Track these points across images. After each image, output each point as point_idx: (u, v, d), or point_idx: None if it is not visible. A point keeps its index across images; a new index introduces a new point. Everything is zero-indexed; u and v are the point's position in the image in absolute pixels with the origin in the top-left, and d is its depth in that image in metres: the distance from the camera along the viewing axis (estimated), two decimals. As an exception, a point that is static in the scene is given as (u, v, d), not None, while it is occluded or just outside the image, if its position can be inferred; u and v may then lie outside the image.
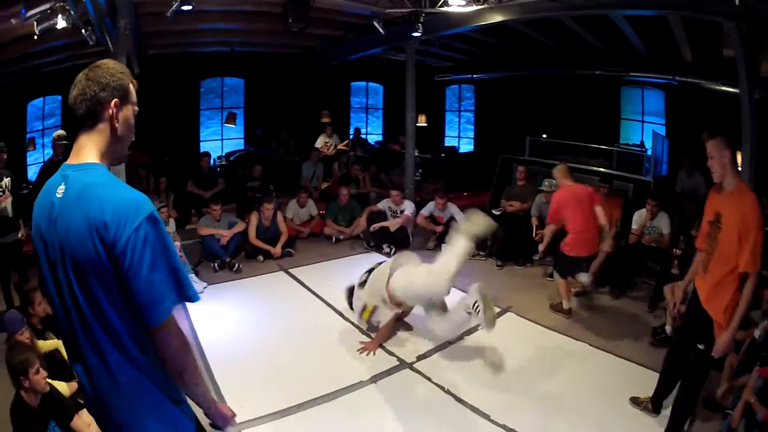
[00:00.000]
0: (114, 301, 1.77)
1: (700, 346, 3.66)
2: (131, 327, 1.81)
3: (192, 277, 7.13)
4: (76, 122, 1.90)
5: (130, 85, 1.98)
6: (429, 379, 4.85)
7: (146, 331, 1.79)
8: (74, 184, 1.82)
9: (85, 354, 1.86)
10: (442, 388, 4.71)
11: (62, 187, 1.84)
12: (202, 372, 2.07)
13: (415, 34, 8.72)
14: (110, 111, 1.89)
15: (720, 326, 3.53)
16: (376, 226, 8.79)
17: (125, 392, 1.86)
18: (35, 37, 6.41)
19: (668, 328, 5.48)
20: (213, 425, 2.21)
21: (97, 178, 1.82)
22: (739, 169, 4.61)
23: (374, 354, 5.28)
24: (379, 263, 5.66)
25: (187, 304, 2.06)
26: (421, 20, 8.48)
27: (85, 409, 3.79)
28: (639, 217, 6.99)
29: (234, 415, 2.24)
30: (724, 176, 3.56)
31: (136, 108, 2.02)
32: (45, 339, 4.56)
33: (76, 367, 1.96)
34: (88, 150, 1.90)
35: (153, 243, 1.73)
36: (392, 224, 8.76)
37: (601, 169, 9.14)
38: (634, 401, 4.40)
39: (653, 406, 4.26)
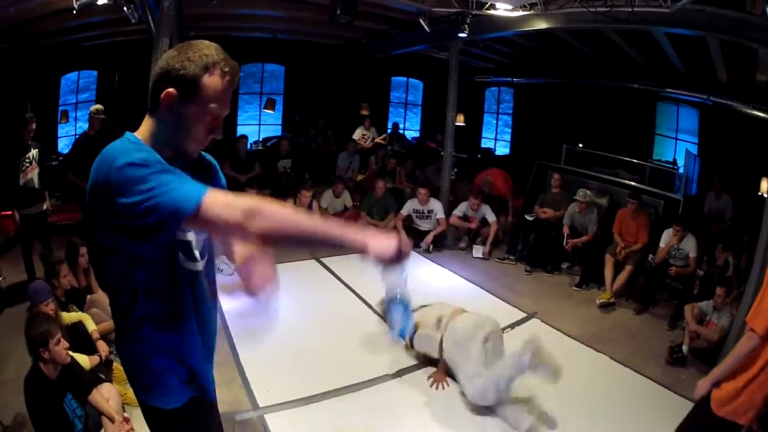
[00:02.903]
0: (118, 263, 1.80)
1: None
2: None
3: (223, 258, 7.22)
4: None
5: (206, 78, 1.74)
6: (453, 378, 4.91)
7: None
8: None
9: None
10: (464, 387, 4.82)
11: None
12: (305, 218, 1.66)
13: (461, 35, 8.74)
14: (166, 101, 1.74)
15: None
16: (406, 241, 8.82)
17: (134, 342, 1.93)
18: (74, 12, 6.49)
19: (685, 348, 5.59)
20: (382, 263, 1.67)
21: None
22: (766, 196, 4.39)
23: (447, 385, 4.83)
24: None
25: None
26: (468, 21, 8.54)
27: (105, 383, 3.88)
28: (667, 236, 7.01)
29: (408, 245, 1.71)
30: None
31: (212, 106, 1.78)
32: (68, 311, 4.62)
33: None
34: (139, 129, 1.82)
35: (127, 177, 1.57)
36: (427, 240, 8.82)
37: (632, 183, 9.16)
38: None
39: None
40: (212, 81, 1.75)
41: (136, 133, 1.80)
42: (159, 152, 1.75)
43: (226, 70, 1.78)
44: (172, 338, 1.96)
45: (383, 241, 1.64)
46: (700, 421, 3.06)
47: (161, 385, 1.99)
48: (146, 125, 1.82)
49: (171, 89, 1.72)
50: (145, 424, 2.10)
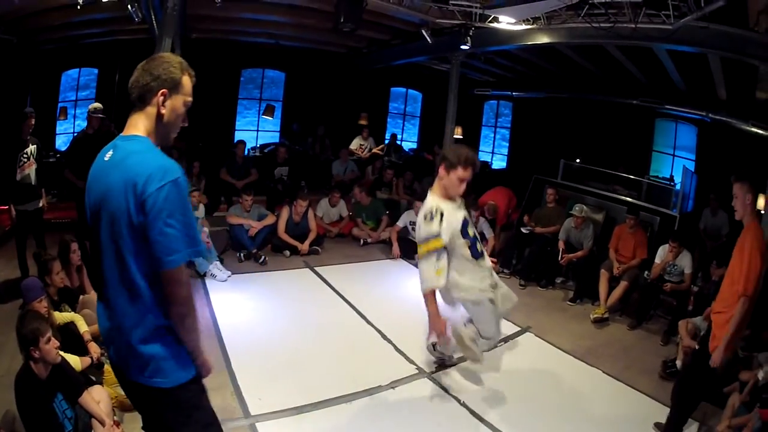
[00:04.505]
0: (135, 248, 2.13)
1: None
2: (146, 271, 2.17)
3: (216, 264, 7.26)
4: (130, 104, 2.25)
5: (184, 78, 2.29)
6: (446, 390, 4.91)
7: (157, 275, 2.16)
8: (121, 150, 2.20)
9: (108, 290, 2.27)
10: (458, 400, 4.77)
11: (110, 153, 2.23)
12: (199, 322, 2.36)
13: (464, 47, 8.79)
14: (157, 99, 2.23)
15: (715, 338, 3.85)
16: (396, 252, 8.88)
17: (136, 320, 2.22)
18: (78, 8, 6.50)
19: (679, 363, 5.56)
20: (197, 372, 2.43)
21: (139, 146, 2.19)
22: (762, 212, 4.77)
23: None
24: None
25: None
26: (470, 33, 8.56)
27: (96, 386, 3.82)
28: (663, 252, 7.00)
29: (210, 370, 2.51)
30: (743, 216, 3.87)
31: (189, 99, 2.33)
32: (60, 311, 4.58)
33: (98, 304, 2.41)
34: (138, 127, 2.25)
35: (172, 201, 2.08)
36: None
37: (629, 199, 9.15)
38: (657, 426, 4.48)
39: None
40: (187, 80, 2.32)
41: (139, 133, 2.26)
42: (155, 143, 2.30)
43: (192, 73, 2.35)
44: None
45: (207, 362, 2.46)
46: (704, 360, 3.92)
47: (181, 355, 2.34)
48: (143, 123, 2.27)
49: (164, 89, 2.24)
50: (135, 427, 2.13)
